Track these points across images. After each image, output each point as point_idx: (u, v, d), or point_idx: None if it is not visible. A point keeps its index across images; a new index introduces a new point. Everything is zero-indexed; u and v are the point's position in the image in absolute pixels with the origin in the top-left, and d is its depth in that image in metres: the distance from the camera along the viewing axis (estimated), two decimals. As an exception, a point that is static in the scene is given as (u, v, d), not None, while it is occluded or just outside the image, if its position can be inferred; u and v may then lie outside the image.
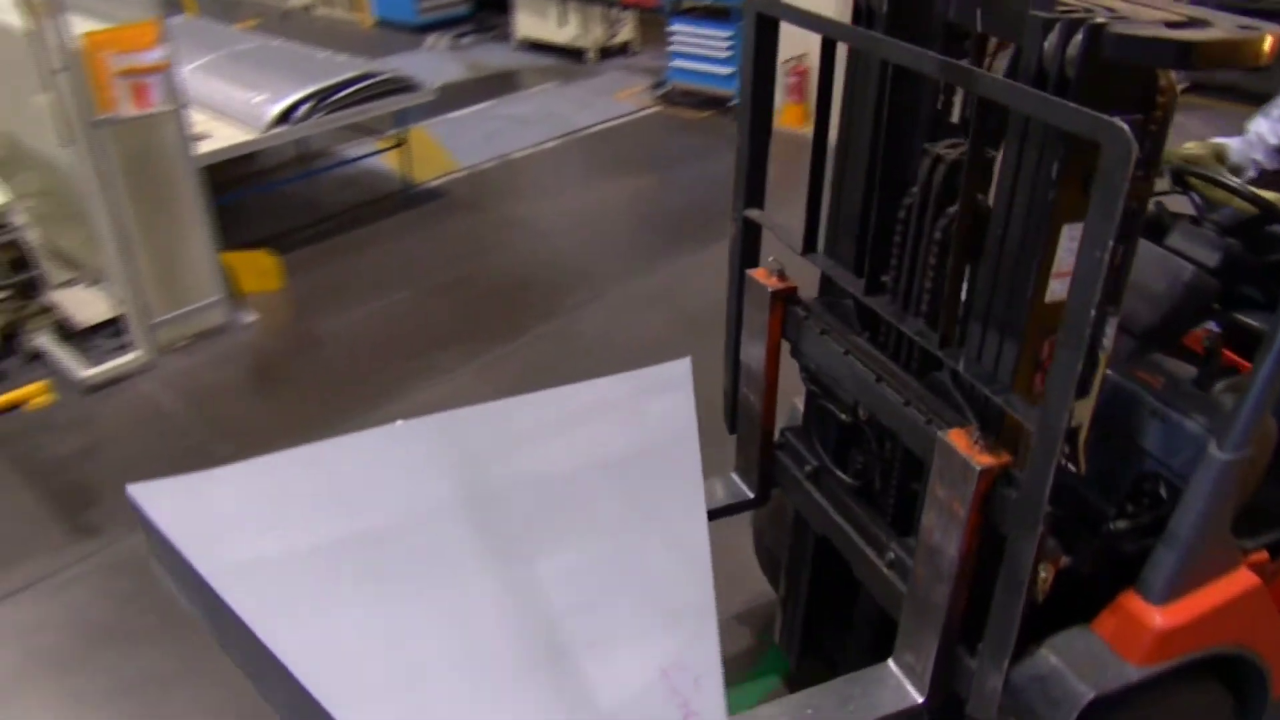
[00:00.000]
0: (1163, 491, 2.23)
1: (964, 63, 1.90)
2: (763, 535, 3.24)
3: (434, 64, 9.74)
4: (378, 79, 6.03)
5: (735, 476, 2.90)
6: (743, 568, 3.34)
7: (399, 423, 2.63)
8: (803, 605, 2.91)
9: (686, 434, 2.58)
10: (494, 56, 10.36)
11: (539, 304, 5.49)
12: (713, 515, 2.74)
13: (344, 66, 6.07)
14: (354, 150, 7.29)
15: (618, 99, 8.89)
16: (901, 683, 2.27)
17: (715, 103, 8.39)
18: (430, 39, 10.92)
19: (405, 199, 6.81)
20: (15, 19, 4.26)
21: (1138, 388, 2.25)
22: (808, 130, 2.41)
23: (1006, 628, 1.99)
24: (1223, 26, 1.60)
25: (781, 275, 2.53)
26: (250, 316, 5.34)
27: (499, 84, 9.41)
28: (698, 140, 7.91)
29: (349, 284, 5.76)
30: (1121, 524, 2.24)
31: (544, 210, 6.74)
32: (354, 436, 2.58)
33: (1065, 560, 2.06)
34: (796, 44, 6.04)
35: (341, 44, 7.32)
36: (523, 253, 6.13)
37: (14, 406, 4.58)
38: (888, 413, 2.25)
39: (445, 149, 7.67)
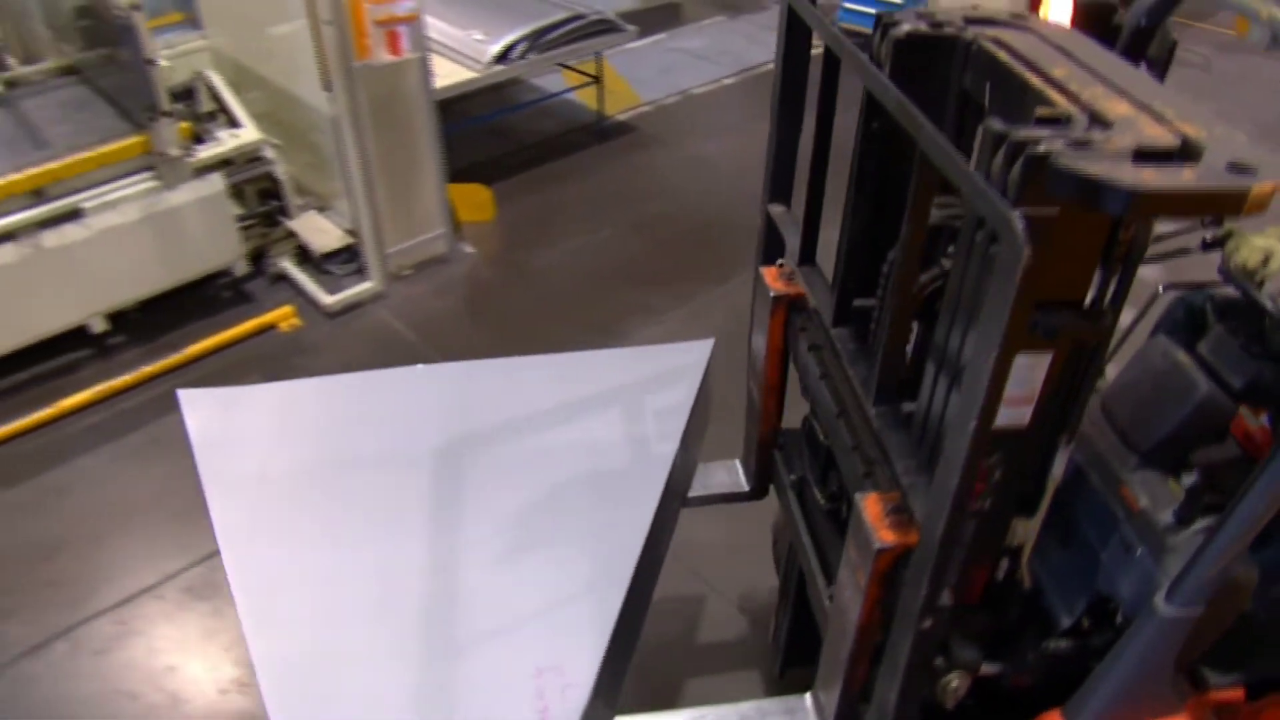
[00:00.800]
0: (1119, 618, 2.08)
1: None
2: (777, 540, 3.26)
3: (602, -9, 9.83)
4: (587, 20, 6.22)
5: (739, 466, 2.87)
6: (764, 559, 3.37)
7: (419, 366, 2.87)
8: (790, 613, 2.87)
9: (675, 425, 2.61)
10: (660, -16, 10.39)
11: (740, 248, 5.60)
12: (708, 502, 2.81)
13: (552, 7, 6.26)
14: (545, 82, 7.50)
15: (789, 33, 8.89)
16: (808, 719, 2.22)
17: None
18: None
19: (598, 132, 7.04)
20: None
21: (1116, 506, 2.07)
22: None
23: (884, 712, 1.91)
24: (1211, 163, 1.33)
25: (791, 279, 2.44)
26: (469, 248, 5.67)
27: (667, 15, 9.47)
28: (874, 82, 7.87)
29: (554, 217, 6.03)
30: (1062, 643, 2.13)
31: (731, 149, 6.88)
32: (379, 373, 2.80)
33: (991, 669, 2.00)
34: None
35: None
36: (716, 192, 6.30)
37: (269, 328, 5.00)
38: (838, 449, 2.17)
39: (628, 82, 7.84)
